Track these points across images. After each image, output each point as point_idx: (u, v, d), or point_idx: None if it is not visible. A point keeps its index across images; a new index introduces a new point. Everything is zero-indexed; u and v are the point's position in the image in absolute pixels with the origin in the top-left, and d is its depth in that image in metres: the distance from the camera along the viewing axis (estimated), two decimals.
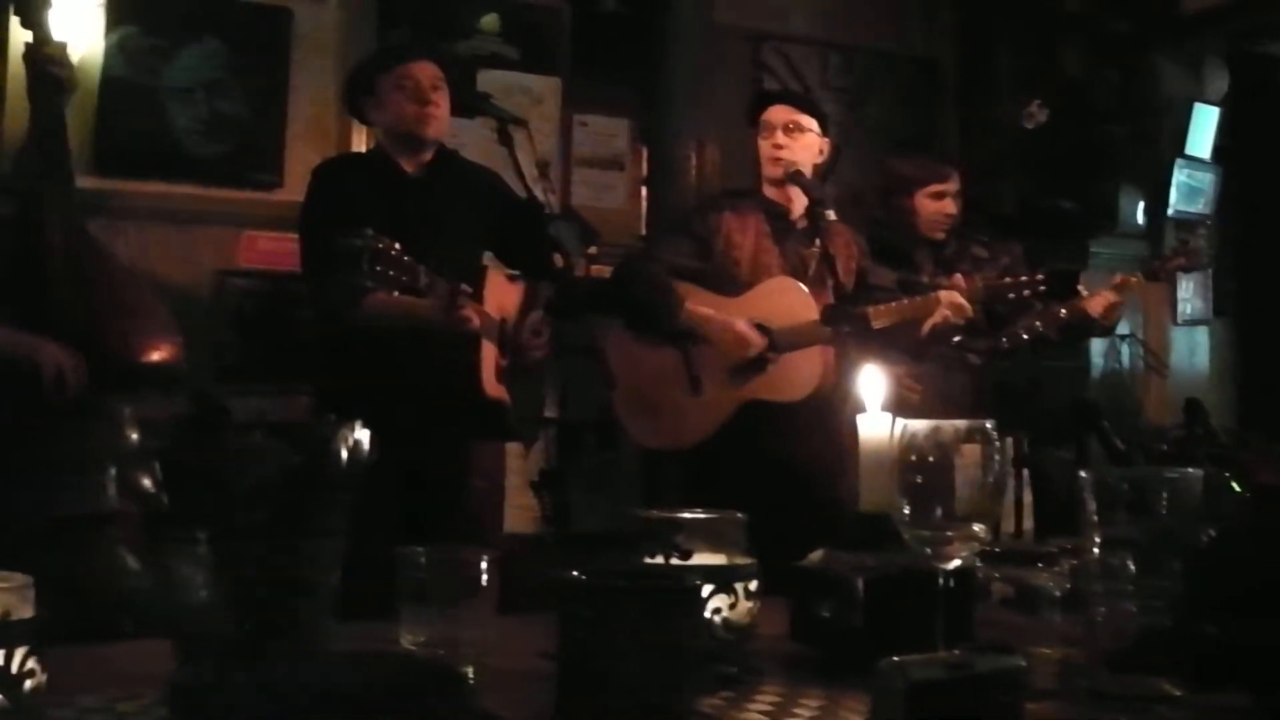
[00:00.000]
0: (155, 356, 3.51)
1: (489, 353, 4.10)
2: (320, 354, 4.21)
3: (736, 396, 4.49)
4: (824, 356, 4.50)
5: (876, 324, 4.48)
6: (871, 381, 1.96)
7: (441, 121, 4.18)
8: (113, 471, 3.31)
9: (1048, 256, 5.99)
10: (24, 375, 3.20)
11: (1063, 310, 5.00)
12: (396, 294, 3.68)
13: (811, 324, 4.45)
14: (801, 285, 4.53)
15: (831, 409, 4.47)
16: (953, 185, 5.22)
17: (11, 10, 3.70)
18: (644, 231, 6.38)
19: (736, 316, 4.47)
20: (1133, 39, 6.91)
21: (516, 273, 4.45)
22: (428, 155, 4.20)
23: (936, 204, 5.19)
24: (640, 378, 4.62)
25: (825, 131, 4.74)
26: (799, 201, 4.65)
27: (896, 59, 6.89)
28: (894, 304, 4.56)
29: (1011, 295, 4.76)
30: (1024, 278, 4.77)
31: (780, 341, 4.47)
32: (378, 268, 3.51)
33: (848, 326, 4.41)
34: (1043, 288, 4.74)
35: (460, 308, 3.81)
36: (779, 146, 4.61)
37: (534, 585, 1.92)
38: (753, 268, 4.57)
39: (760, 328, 4.47)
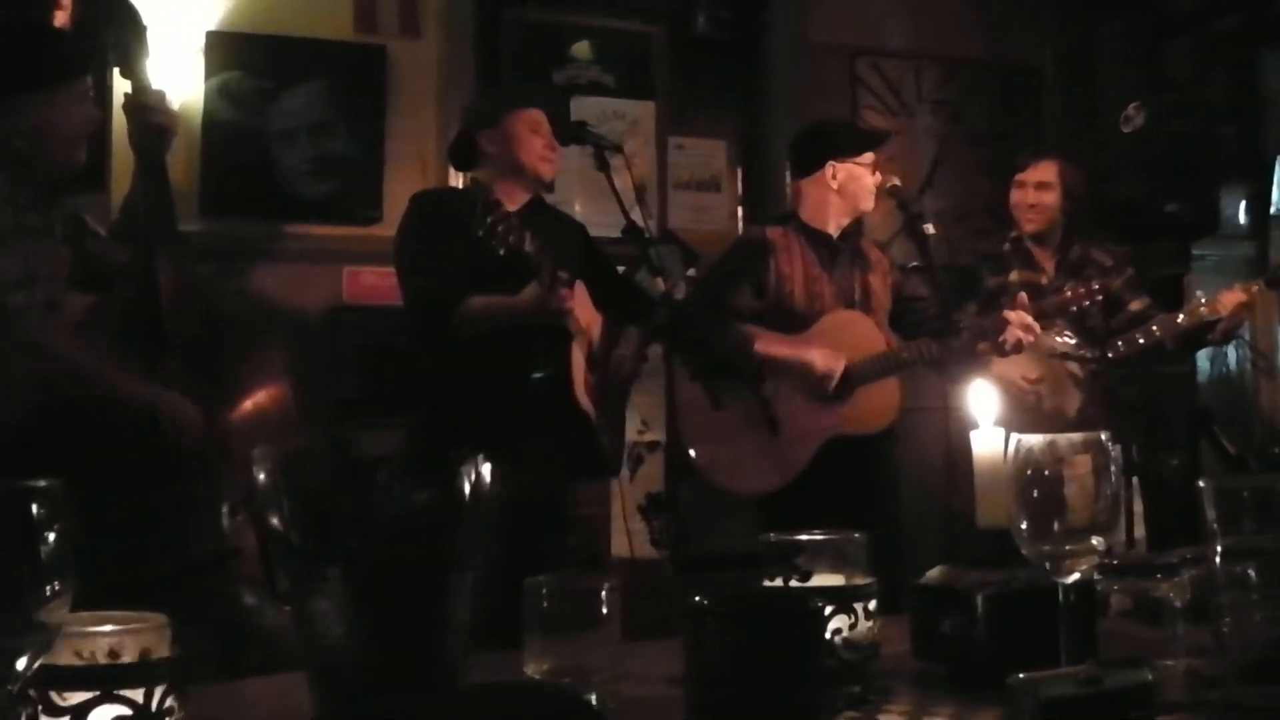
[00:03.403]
0: (264, 400, 3.58)
1: (578, 359, 4.09)
2: (421, 384, 4.25)
3: (819, 434, 4.48)
4: (897, 383, 4.55)
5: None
6: (983, 397, 1.95)
7: (557, 168, 4.31)
8: (226, 509, 3.38)
9: (1151, 260, 5.94)
10: (143, 426, 3.27)
11: (1180, 316, 4.98)
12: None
13: (887, 354, 4.50)
14: (866, 316, 4.56)
15: (895, 432, 4.61)
16: (1032, 175, 5.27)
17: (112, 62, 3.78)
18: None
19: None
20: (1236, 37, 6.82)
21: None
22: (526, 198, 4.25)
23: (1018, 193, 5.29)
24: (715, 426, 4.49)
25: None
26: (837, 224, 4.66)
27: (996, 68, 6.83)
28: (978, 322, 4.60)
29: (1074, 309, 4.77)
30: (1081, 289, 4.78)
31: (855, 375, 4.48)
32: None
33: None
34: (1100, 297, 4.80)
35: (561, 288, 3.83)
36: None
37: (654, 610, 1.94)
38: (807, 298, 4.56)
39: None
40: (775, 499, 4.50)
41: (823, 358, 4.44)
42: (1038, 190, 5.22)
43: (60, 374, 3.30)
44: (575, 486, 4.37)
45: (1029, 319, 4.52)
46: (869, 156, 4.68)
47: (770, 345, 4.48)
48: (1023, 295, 4.65)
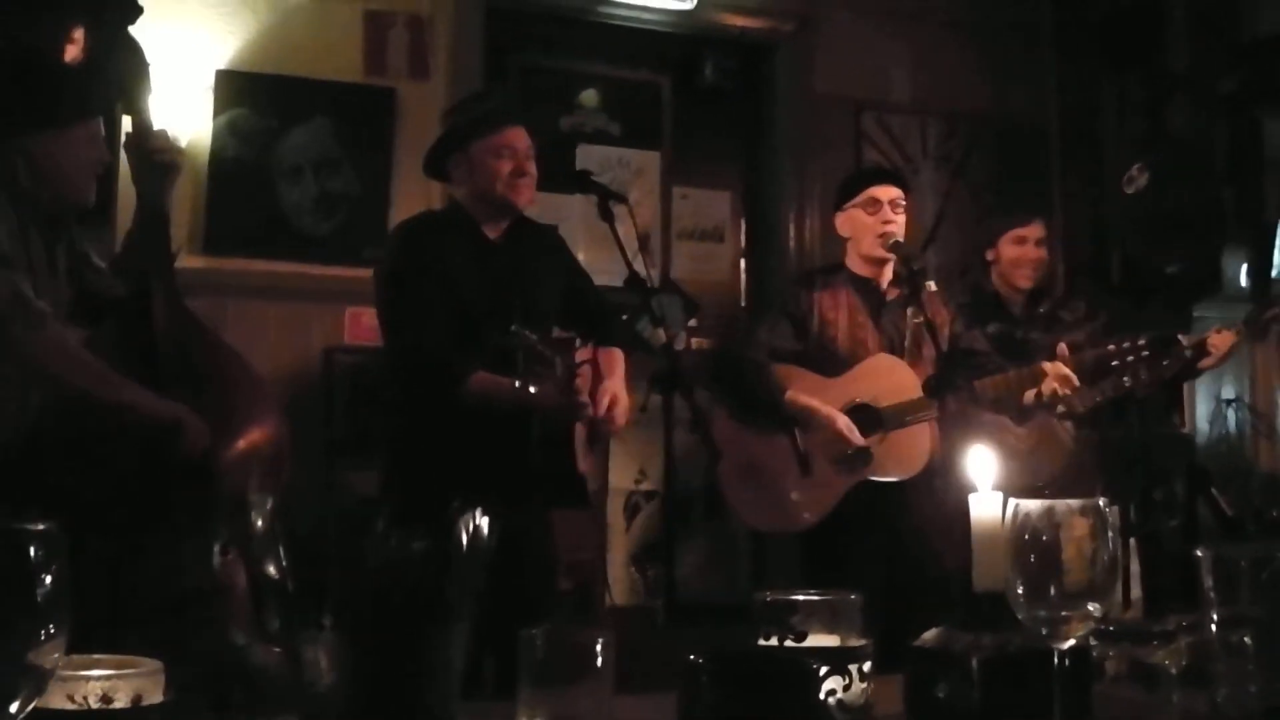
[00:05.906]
0: (257, 438, 3.55)
1: (580, 427, 4.09)
2: (409, 430, 4.16)
3: (848, 477, 4.48)
4: (931, 431, 4.49)
5: (984, 396, 4.48)
6: (980, 460, 1.95)
7: (533, 190, 4.19)
8: (217, 548, 3.36)
9: (1151, 321, 5.95)
10: (158, 437, 3.25)
11: (1165, 361, 4.99)
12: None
13: (919, 400, 4.44)
14: (904, 363, 4.53)
15: (935, 482, 4.46)
16: (1034, 231, 5.31)
17: (115, 98, 3.78)
18: (744, 303, 6.40)
19: (840, 398, 4.48)
20: (1238, 99, 6.84)
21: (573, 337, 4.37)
22: (507, 221, 4.20)
23: (1019, 249, 5.30)
24: (748, 460, 4.55)
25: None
26: (887, 274, 4.66)
27: (999, 125, 6.85)
28: (999, 376, 4.54)
29: (1115, 363, 4.72)
30: (1127, 344, 4.72)
31: (889, 420, 4.46)
32: (533, 366, 3.55)
33: (954, 397, 4.41)
34: (1146, 353, 4.71)
35: (577, 391, 3.81)
36: (888, 222, 4.61)
37: (645, 660, 1.93)
38: (850, 344, 4.57)
39: (867, 408, 4.46)
40: (806, 541, 4.56)
41: (847, 424, 4.43)
42: (1037, 246, 5.27)
43: (70, 384, 3.27)
44: (554, 518, 4.33)
45: (1067, 371, 4.50)
46: (865, 196, 4.67)
47: (801, 394, 4.48)
48: (1063, 347, 4.63)
